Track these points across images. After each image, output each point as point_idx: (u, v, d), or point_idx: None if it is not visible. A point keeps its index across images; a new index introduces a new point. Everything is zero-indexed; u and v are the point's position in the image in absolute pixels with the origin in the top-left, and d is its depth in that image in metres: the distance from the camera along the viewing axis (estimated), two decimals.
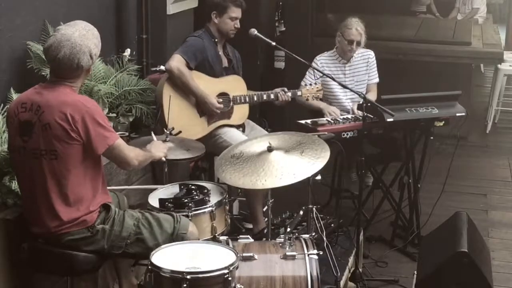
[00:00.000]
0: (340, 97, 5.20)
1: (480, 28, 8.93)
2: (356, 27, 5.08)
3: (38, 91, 3.11)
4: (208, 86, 4.44)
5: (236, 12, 4.54)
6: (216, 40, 4.59)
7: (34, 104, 3.05)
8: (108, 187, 3.40)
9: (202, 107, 4.47)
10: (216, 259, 2.95)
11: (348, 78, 5.18)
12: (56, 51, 3.03)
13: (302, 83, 5.02)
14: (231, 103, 4.54)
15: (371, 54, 5.31)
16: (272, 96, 4.61)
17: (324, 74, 4.87)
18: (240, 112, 4.64)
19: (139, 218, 3.25)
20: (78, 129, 3.01)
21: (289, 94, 4.65)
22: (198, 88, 4.40)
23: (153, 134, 3.77)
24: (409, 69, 7.36)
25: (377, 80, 5.32)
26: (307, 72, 5.14)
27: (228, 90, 4.55)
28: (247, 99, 4.57)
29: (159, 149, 3.51)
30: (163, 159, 3.55)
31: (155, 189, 3.77)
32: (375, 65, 5.32)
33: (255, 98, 4.59)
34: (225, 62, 4.66)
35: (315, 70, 4.91)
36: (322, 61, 5.20)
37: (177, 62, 4.34)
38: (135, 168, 3.37)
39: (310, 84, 4.81)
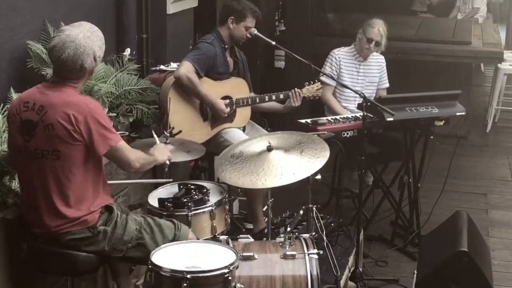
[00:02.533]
0: (349, 94, 5.23)
1: (480, 27, 8.92)
2: (379, 28, 5.18)
3: (41, 91, 3.10)
4: (211, 90, 4.44)
5: (252, 23, 4.56)
6: (226, 46, 4.59)
7: (37, 104, 3.05)
8: (113, 181, 3.38)
9: (211, 112, 4.48)
10: (216, 259, 2.95)
11: (360, 77, 5.27)
12: (60, 51, 3.03)
13: (322, 78, 5.00)
14: (234, 106, 4.54)
15: (383, 59, 5.42)
16: (273, 98, 4.61)
17: (325, 74, 4.90)
18: (242, 115, 4.64)
19: (141, 222, 3.24)
20: (81, 129, 3.00)
21: (301, 92, 4.64)
22: (207, 96, 4.39)
23: (155, 136, 3.75)
24: (409, 69, 7.36)
25: (387, 85, 5.44)
26: (325, 66, 5.21)
27: (231, 93, 4.55)
28: (250, 101, 4.58)
29: (163, 152, 3.50)
30: (167, 162, 3.54)
31: (158, 183, 3.76)
32: (386, 70, 5.42)
33: (258, 100, 4.60)
34: (231, 67, 4.67)
35: (330, 63, 4.95)
36: (340, 55, 5.31)
37: (186, 69, 4.31)
38: (137, 171, 3.37)
39: (309, 83, 4.80)
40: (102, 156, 3.12)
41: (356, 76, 5.27)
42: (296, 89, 4.61)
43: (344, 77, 5.18)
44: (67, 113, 3.00)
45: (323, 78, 4.99)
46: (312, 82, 4.77)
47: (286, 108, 4.68)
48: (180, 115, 4.35)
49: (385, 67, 5.41)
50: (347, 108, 5.24)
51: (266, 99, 4.61)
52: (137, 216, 3.31)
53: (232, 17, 4.54)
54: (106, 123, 3.08)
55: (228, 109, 4.48)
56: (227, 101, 4.49)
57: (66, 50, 3.02)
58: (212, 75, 4.49)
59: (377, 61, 5.39)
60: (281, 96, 4.63)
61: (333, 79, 4.61)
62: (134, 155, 3.22)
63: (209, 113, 4.50)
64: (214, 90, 4.46)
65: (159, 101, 4.50)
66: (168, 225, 3.28)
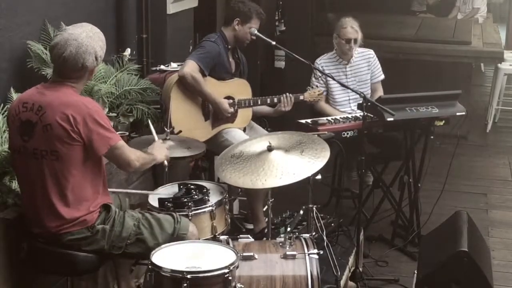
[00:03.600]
0: (342, 99, 5.20)
1: (480, 27, 8.94)
2: (350, 25, 5.09)
3: (40, 91, 3.10)
4: (214, 89, 4.44)
5: (257, 24, 4.57)
6: (229, 46, 4.59)
7: (36, 104, 3.05)
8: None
9: (214, 112, 4.48)
10: (216, 259, 2.95)
11: (350, 79, 5.19)
12: (62, 49, 3.03)
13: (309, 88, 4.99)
14: (236, 106, 4.55)
15: (371, 53, 5.30)
16: (275, 100, 4.62)
17: (324, 74, 4.89)
18: (244, 116, 4.65)
19: (139, 218, 3.25)
20: (79, 130, 3.00)
21: (292, 97, 4.65)
22: (211, 95, 4.40)
23: (154, 133, 3.75)
24: (409, 69, 7.36)
25: (382, 77, 5.32)
26: (312, 77, 5.14)
27: (233, 94, 4.55)
28: (252, 103, 4.58)
29: (161, 151, 3.50)
30: (165, 162, 3.54)
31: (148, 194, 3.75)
32: (378, 63, 5.31)
33: (259, 102, 4.60)
34: (233, 68, 4.67)
35: (317, 71, 4.92)
36: (323, 63, 5.21)
37: (191, 68, 4.31)
38: (136, 170, 3.37)
39: (312, 87, 4.80)
40: (102, 156, 3.12)
41: (345, 79, 5.14)
42: (287, 94, 4.60)
43: (332, 84, 5.09)
44: (65, 113, 3.00)
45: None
46: (314, 87, 4.77)
47: (276, 112, 4.68)
48: (182, 113, 4.35)
49: (375, 60, 5.28)
50: (345, 113, 5.21)
51: (268, 101, 4.61)
52: (134, 212, 3.32)
53: (238, 19, 4.54)
54: (105, 123, 3.08)
55: (231, 109, 4.48)
56: (230, 101, 4.50)
57: (68, 48, 3.02)
58: (215, 75, 4.49)
59: (364, 57, 5.26)
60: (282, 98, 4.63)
61: (333, 78, 4.60)
62: (134, 155, 3.22)
63: (211, 113, 4.51)
64: (217, 90, 4.47)
65: (161, 99, 4.50)
66: (167, 218, 3.29)
